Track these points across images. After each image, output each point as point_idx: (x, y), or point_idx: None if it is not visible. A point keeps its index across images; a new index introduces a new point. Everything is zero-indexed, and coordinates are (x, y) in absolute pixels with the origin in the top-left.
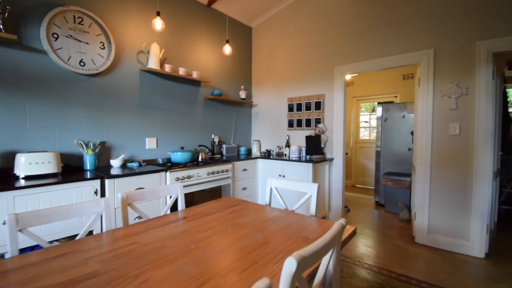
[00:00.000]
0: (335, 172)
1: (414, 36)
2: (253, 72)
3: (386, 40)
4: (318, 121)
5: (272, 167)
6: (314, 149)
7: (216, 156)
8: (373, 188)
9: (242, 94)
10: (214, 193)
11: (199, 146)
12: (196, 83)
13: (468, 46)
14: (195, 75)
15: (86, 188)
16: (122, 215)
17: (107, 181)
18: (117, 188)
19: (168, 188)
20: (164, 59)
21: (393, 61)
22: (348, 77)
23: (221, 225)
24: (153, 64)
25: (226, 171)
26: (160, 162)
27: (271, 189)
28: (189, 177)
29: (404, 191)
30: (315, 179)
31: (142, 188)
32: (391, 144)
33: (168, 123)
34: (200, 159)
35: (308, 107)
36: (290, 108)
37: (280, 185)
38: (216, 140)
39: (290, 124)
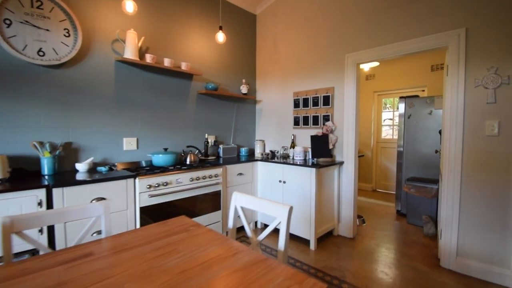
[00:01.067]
0: (346, 177)
1: (440, 12)
2: (258, 65)
3: (403, 20)
4: (326, 118)
5: (272, 171)
6: (321, 150)
7: (210, 158)
8: (395, 193)
9: (244, 89)
10: (206, 201)
11: (188, 147)
12: (187, 76)
13: (509, 23)
14: (184, 66)
15: (27, 199)
16: (3, 247)
17: (54, 190)
18: (67, 199)
19: (85, 209)
20: (147, 49)
21: (415, 45)
22: (366, 68)
23: (126, 272)
24: (129, 54)
25: (216, 176)
26: (144, 165)
27: (235, 209)
28: (165, 184)
29: (430, 200)
30: (320, 187)
31: (103, 198)
32: (416, 145)
33: (152, 121)
34: (188, 162)
35: (315, 103)
36: (296, 104)
37: (247, 203)
38: (211, 140)
39: (296, 122)
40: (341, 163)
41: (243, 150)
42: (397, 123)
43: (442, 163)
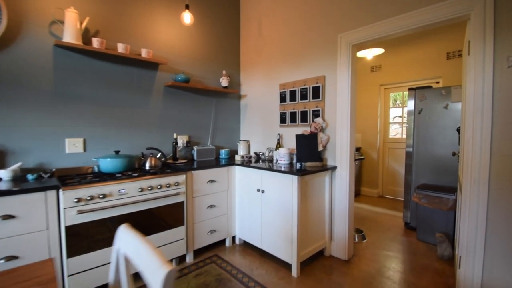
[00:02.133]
0: (339, 186)
1: None
2: (242, 54)
3: None
4: (316, 114)
5: (249, 178)
6: (308, 153)
7: (179, 162)
8: (403, 199)
9: (224, 82)
10: (165, 215)
11: (148, 149)
12: (150, 65)
13: None
14: (145, 53)
15: None
16: None
17: None
18: None
19: None
20: (96, 32)
21: (425, 16)
22: (369, 57)
23: None
24: (69, 37)
25: (176, 184)
26: (96, 170)
27: (117, 257)
28: (102, 196)
29: (446, 213)
30: (305, 198)
31: (12, 216)
32: (428, 146)
33: (104, 120)
34: (148, 167)
35: (303, 96)
36: (282, 98)
37: (129, 248)
38: (183, 141)
39: (283, 119)
40: (334, 168)
41: (223, 152)
42: (406, 120)
43: (461, 170)
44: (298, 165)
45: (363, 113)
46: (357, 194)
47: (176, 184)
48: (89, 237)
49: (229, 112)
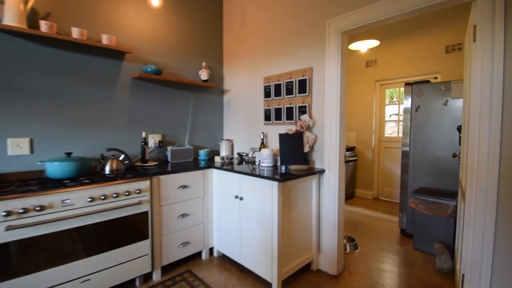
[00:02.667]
0: (328, 191)
1: None
2: (225, 45)
3: None
4: (303, 110)
5: (227, 183)
6: (293, 154)
7: (148, 165)
8: (399, 201)
9: (203, 75)
10: (125, 227)
11: (109, 150)
12: (114, 54)
13: None
14: (106, 40)
15: None
16: None
17: None
18: None
19: None
20: (47, 14)
21: None
22: (364, 49)
23: None
24: (10, 19)
25: (138, 192)
26: (45, 176)
27: None
28: (40, 208)
29: (445, 221)
30: (287, 206)
31: None
32: (426, 145)
33: (57, 116)
34: (108, 171)
35: (289, 90)
36: (267, 93)
37: None
38: (155, 140)
39: (267, 117)
40: (322, 171)
41: (203, 153)
42: (403, 118)
43: (463, 174)
44: (283, 168)
45: (358, 110)
46: (352, 196)
47: (137, 191)
48: (23, 258)
49: (211, 108)
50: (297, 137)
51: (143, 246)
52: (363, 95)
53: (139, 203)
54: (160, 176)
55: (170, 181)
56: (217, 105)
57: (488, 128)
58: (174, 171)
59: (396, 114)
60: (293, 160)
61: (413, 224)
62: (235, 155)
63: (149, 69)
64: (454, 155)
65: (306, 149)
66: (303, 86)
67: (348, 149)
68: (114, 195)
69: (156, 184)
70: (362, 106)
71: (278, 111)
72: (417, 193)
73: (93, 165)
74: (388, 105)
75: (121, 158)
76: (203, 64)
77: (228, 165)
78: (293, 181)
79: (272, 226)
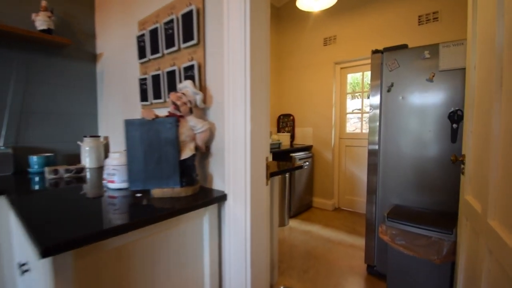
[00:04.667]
0: (235, 236)
1: None
2: None
3: None
4: (190, 75)
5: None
6: (159, 165)
7: None
8: (365, 212)
9: (40, 22)
10: None
11: None
12: None
13: None
14: None
15: None
16: None
17: None
18: None
19: None
20: None
21: None
22: (316, 7)
23: None
24: None
25: None
26: None
27: None
28: None
29: (437, 267)
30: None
31: None
32: (402, 143)
33: None
34: None
35: (170, 38)
36: (142, 49)
37: None
38: None
39: (144, 93)
40: (220, 198)
41: (34, 161)
42: (368, 106)
43: (471, 188)
44: (138, 194)
45: (314, 101)
46: (308, 207)
47: None
48: None
49: (69, 83)
50: (167, 127)
51: None
52: (321, 83)
53: None
54: None
55: None
56: (83, 79)
57: None
58: None
59: (359, 110)
60: (159, 176)
61: (386, 263)
62: (75, 167)
63: None
64: (455, 160)
65: (187, 154)
66: (189, 27)
67: (303, 149)
68: None
69: None
70: (320, 96)
71: (156, 82)
72: (391, 218)
73: None
74: (350, 95)
75: None
76: (42, 3)
77: (54, 186)
78: (150, 229)
79: None
